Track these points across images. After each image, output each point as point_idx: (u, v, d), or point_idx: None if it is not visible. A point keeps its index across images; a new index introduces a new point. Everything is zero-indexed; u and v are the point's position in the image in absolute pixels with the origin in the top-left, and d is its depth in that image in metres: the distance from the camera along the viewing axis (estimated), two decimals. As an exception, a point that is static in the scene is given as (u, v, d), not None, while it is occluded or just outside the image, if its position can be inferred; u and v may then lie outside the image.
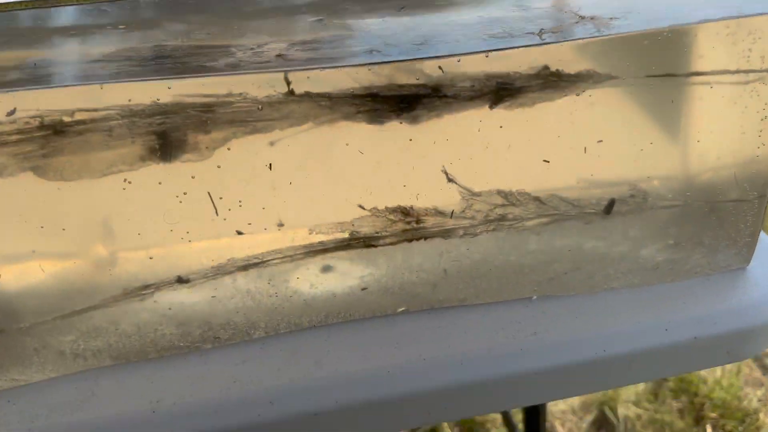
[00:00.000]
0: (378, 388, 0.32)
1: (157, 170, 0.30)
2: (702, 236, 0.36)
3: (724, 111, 0.33)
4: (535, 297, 0.36)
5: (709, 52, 0.31)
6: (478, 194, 0.33)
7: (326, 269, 0.33)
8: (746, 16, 0.30)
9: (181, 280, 0.32)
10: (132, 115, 0.28)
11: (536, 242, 0.35)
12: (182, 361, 0.33)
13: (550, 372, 0.33)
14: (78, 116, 0.28)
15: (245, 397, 0.31)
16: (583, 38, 0.29)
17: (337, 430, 0.31)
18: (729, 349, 0.35)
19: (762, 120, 0.33)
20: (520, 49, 0.29)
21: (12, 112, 0.27)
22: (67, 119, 0.28)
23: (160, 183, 0.30)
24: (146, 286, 0.32)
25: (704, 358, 0.35)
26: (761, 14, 0.30)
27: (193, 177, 0.30)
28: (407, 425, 0.33)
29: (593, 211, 0.34)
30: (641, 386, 1.02)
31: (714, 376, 1.05)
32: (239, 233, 0.32)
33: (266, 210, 0.31)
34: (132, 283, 0.32)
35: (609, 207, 0.34)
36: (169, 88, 0.27)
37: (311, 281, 0.33)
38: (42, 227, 0.30)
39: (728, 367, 1.08)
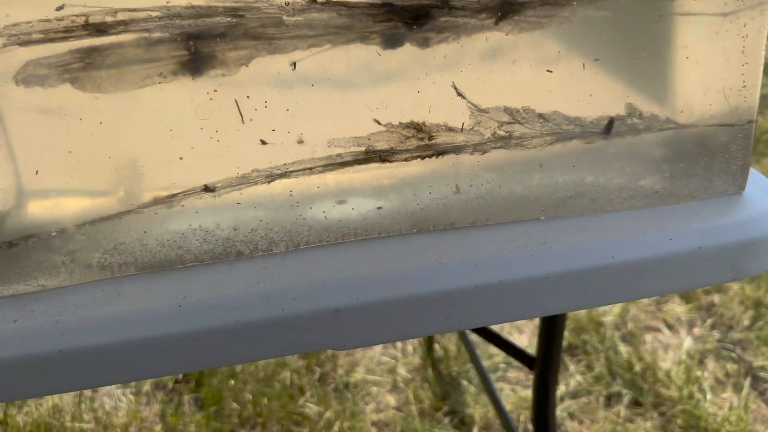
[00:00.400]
0: (396, 287, 0.33)
1: (188, 82, 0.32)
2: (698, 160, 0.38)
3: (709, 37, 0.36)
4: (543, 218, 0.37)
5: (691, -27, 0.34)
6: (486, 111, 0.35)
7: (343, 185, 0.35)
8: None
9: (207, 189, 0.34)
10: (169, 16, 0.31)
11: (542, 162, 0.37)
12: (207, 269, 0.34)
13: (561, 277, 0.34)
14: (120, 16, 0.30)
15: (269, 294, 0.32)
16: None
17: (358, 326, 0.32)
18: (732, 263, 0.36)
19: (742, 51, 0.36)
20: (520, -39, 0.32)
21: (61, 8, 0.30)
22: (109, 19, 0.30)
23: (194, 90, 0.32)
24: (174, 195, 0.34)
25: (709, 271, 0.36)
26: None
27: (219, 87, 0.32)
28: (426, 330, 0.34)
29: (594, 130, 0.36)
30: (651, 423, 1.00)
31: (722, 413, 1.04)
32: (263, 142, 0.33)
33: (288, 122, 0.33)
34: (161, 192, 0.33)
35: (608, 126, 0.36)
36: (205, -19, 0.30)
37: (329, 196, 0.35)
38: (75, 136, 0.32)
39: (736, 403, 1.07)
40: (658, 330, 1.33)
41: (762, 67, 0.36)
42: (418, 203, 0.36)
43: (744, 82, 0.36)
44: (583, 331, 1.30)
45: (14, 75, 0.31)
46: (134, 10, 0.30)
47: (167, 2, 0.30)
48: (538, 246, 0.34)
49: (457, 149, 0.36)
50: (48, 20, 0.30)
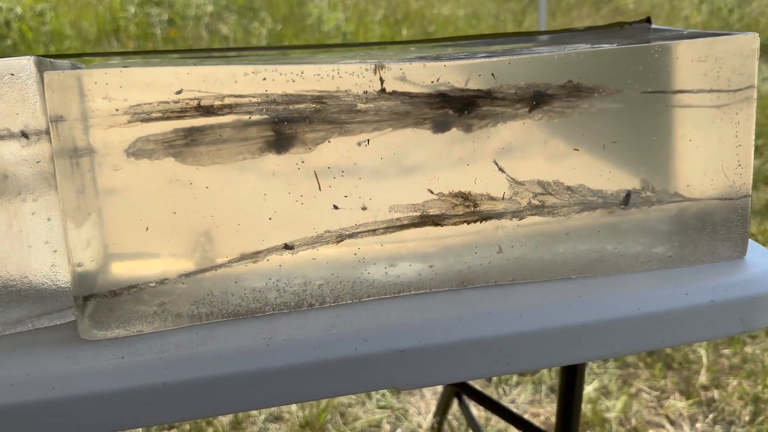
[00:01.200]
0: (452, 332, 0.37)
1: (274, 157, 0.38)
2: (703, 230, 0.44)
3: (706, 125, 0.42)
4: (574, 277, 0.43)
5: (689, 72, 0.42)
6: (522, 183, 0.41)
7: (401, 246, 0.41)
8: (714, 36, 0.41)
9: (287, 247, 0.39)
10: (267, 102, 0.37)
11: (569, 228, 0.42)
12: (286, 317, 0.38)
13: (595, 326, 0.39)
14: (227, 101, 0.37)
15: (343, 336, 0.36)
16: (598, 48, 0.40)
17: (420, 366, 0.37)
18: (741, 317, 0.41)
19: (735, 136, 0.43)
20: (547, 60, 0.39)
21: (179, 92, 0.36)
22: (217, 103, 0.37)
23: (277, 164, 0.38)
24: (259, 252, 0.39)
25: (722, 324, 0.41)
26: (722, 35, 0.41)
27: (302, 161, 0.38)
28: (477, 373, 0.38)
29: (614, 201, 0.42)
30: None
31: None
32: (335, 207, 0.39)
33: (356, 190, 0.39)
34: (247, 248, 0.39)
35: (626, 198, 0.43)
36: (301, 73, 0.37)
37: (389, 255, 0.40)
38: (175, 202, 0.37)
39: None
40: (661, 426, 1.35)
41: (753, 149, 0.43)
42: (465, 262, 0.42)
43: (739, 161, 0.43)
44: (589, 427, 1.32)
45: (126, 149, 0.37)
46: (239, 96, 0.37)
47: (266, 90, 0.37)
48: (574, 299, 0.40)
49: (498, 215, 0.41)
50: (167, 102, 0.36)
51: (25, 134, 0.35)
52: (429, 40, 0.56)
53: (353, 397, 1.36)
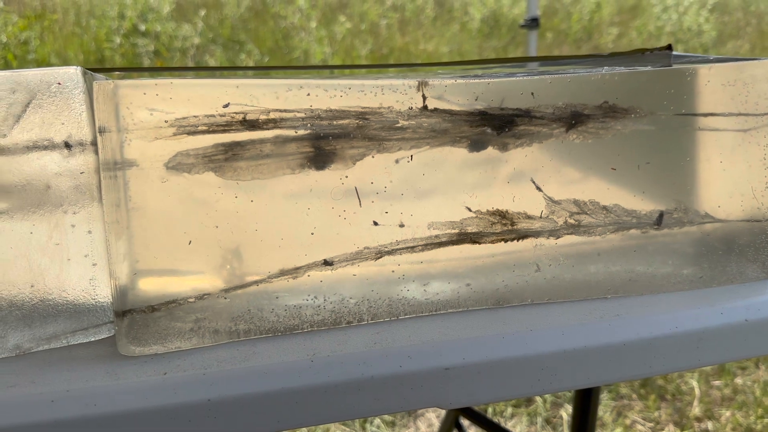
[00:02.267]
0: (496, 349, 0.37)
1: (315, 174, 0.38)
2: (731, 252, 0.44)
3: (734, 148, 0.43)
4: (609, 296, 0.43)
5: (718, 96, 0.42)
6: (559, 202, 0.42)
7: (439, 264, 0.40)
8: (741, 61, 0.42)
9: (327, 263, 0.39)
10: (311, 117, 0.37)
11: (606, 248, 0.43)
12: (326, 333, 0.38)
13: (635, 345, 0.39)
14: (272, 115, 0.37)
15: (387, 352, 0.36)
16: (634, 69, 0.41)
17: (463, 385, 0.36)
18: (774, 336, 0.42)
19: (764, 159, 0.44)
20: (586, 80, 0.40)
21: (227, 106, 0.36)
22: (263, 117, 0.37)
23: (316, 180, 0.38)
24: (299, 267, 0.38)
25: (757, 343, 0.41)
26: (750, 60, 0.42)
27: (347, 176, 0.38)
28: (521, 391, 0.38)
29: (647, 221, 0.43)
30: None
31: None
32: (375, 223, 0.39)
33: (396, 207, 0.39)
34: (287, 264, 0.38)
35: (660, 218, 0.43)
36: (349, 88, 0.37)
37: (427, 273, 0.40)
38: (216, 216, 0.37)
39: None
40: (656, 457, 1.34)
41: (781, 172, 0.44)
42: (503, 281, 0.41)
43: (767, 183, 0.43)
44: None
45: (165, 162, 0.37)
46: (285, 110, 0.37)
47: (310, 105, 0.37)
48: (613, 317, 0.40)
49: (535, 234, 0.41)
50: (213, 115, 0.36)
51: (68, 145, 0.35)
52: (449, 62, 0.57)
53: (342, 426, 1.34)
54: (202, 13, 4.28)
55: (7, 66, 3.33)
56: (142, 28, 4.05)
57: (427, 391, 0.36)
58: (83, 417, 0.32)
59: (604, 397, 1.46)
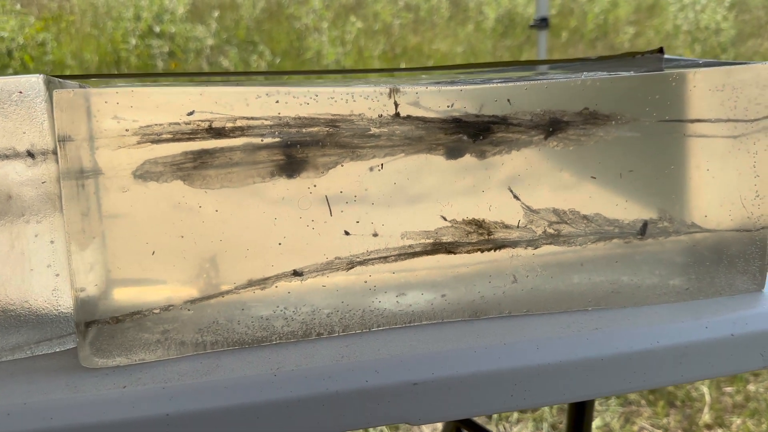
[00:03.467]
0: (467, 364, 0.36)
1: (285, 182, 0.37)
2: (720, 263, 0.43)
3: (724, 155, 0.42)
4: (590, 309, 0.41)
5: (706, 101, 0.41)
6: (537, 211, 0.40)
7: (413, 274, 0.40)
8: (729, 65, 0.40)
9: (296, 273, 0.38)
10: (279, 125, 0.36)
11: (586, 259, 0.41)
12: (293, 346, 0.37)
13: (613, 360, 0.38)
14: (239, 123, 0.36)
15: (353, 367, 0.35)
16: (613, 75, 0.39)
17: (433, 400, 0.35)
18: (762, 351, 0.40)
19: (753, 166, 0.42)
20: (564, 86, 0.39)
21: (191, 113, 0.35)
22: (229, 125, 0.36)
23: (287, 189, 0.37)
24: (267, 278, 0.38)
25: (743, 359, 0.40)
26: (739, 64, 0.40)
27: (314, 185, 0.37)
28: (493, 407, 0.37)
29: (631, 231, 0.42)
30: None
31: None
32: (347, 233, 0.38)
33: (367, 217, 0.38)
34: (256, 275, 0.37)
35: (643, 228, 0.42)
36: (315, 96, 0.36)
37: (401, 283, 0.39)
38: (183, 226, 0.36)
39: None
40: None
41: (771, 180, 0.42)
42: (479, 292, 0.40)
43: (757, 192, 0.42)
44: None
45: (133, 171, 0.36)
46: (252, 118, 0.36)
47: (279, 113, 0.36)
48: (591, 331, 0.38)
49: (512, 244, 0.40)
50: (178, 123, 0.36)
51: (30, 154, 0.34)
52: (440, 67, 0.56)
53: None
54: (217, 14, 4.30)
55: (24, 68, 3.37)
56: (157, 29, 4.08)
57: (394, 406, 0.35)
58: (38, 431, 0.31)
59: (612, 403, 1.44)
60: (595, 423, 1.38)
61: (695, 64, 0.44)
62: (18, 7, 3.83)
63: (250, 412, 0.33)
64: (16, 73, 3.27)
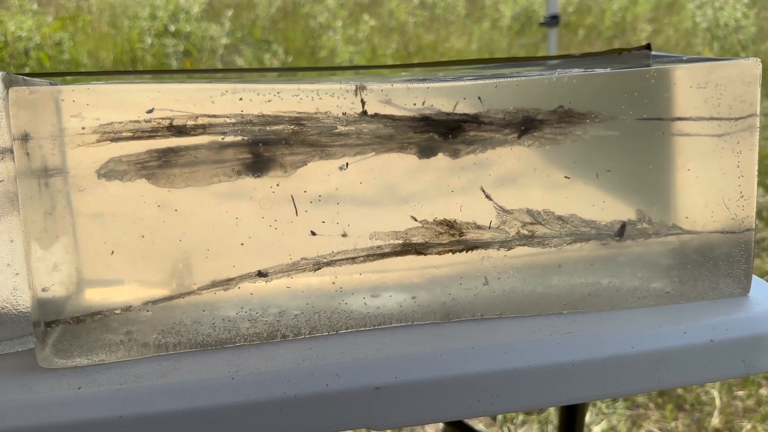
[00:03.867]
0: (432, 368, 0.35)
1: (251, 182, 0.37)
2: (703, 265, 0.41)
3: (707, 154, 0.40)
4: (565, 312, 0.40)
5: (688, 99, 0.40)
6: (511, 212, 0.39)
7: (382, 276, 0.39)
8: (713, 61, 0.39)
9: (261, 274, 0.37)
10: (242, 123, 0.36)
11: (561, 260, 0.40)
12: (256, 348, 0.36)
13: (585, 365, 0.36)
14: (200, 120, 0.36)
15: (314, 370, 0.34)
16: (585, 72, 0.38)
17: (396, 405, 0.34)
18: (743, 357, 0.39)
19: (737, 166, 0.41)
20: (536, 84, 0.38)
21: (151, 111, 0.35)
22: (190, 123, 0.35)
23: (254, 188, 0.37)
24: (231, 279, 0.37)
25: (723, 365, 0.38)
26: (722, 60, 0.39)
27: (279, 182, 0.37)
28: (459, 413, 0.36)
29: (608, 233, 0.40)
30: None
31: None
32: (313, 233, 0.37)
33: (336, 216, 0.37)
34: (219, 276, 0.37)
35: (621, 230, 0.40)
36: (278, 93, 0.35)
37: (369, 285, 0.38)
38: (146, 224, 0.36)
39: None
40: (672, 470, 1.30)
41: (756, 180, 0.41)
42: (450, 294, 0.39)
43: (741, 193, 0.41)
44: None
45: (97, 169, 0.36)
46: (213, 116, 0.35)
47: (241, 110, 0.36)
48: (563, 335, 0.37)
49: (485, 245, 0.39)
50: (138, 121, 0.35)
51: (-11, 152, 0.34)
52: (432, 63, 0.55)
53: None
54: (231, 13, 4.31)
55: (40, 66, 3.40)
56: (172, 28, 4.10)
57: (355, 411, 0.34)
58: (-12, 433, 0.31)
59: (619, 406, 1.41)
60: (601, 426, 1.36)
61: (679, 61, 0.43)
62: (35, 6, 3.87)
63: (206, 416, 0.33)
64: (32, 72, 3.31)
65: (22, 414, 0.31)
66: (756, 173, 0.41)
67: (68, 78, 0.46)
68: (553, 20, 1.95)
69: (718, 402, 1.44)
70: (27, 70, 3.32)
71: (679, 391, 1.47)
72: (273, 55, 3.89)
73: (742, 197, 0.41)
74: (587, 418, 1.47)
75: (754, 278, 0.43)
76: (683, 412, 1.42)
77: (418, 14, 4.65)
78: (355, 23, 4.28)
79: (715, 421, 1.39)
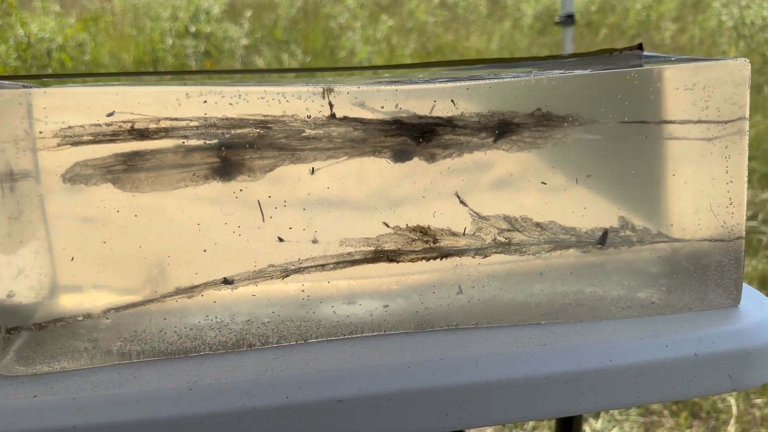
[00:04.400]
0: (398, 380, 0.34)
1: (217, 185, 0.36)
2: (692, 274, 0.40)
3: (695, 159, 0.39)
4: (543, 322, 0.39)
5: (674, 101, 0.38)
6: (486, 218, 0.38)
7: (353, 284, 0.38)
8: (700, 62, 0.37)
9: (226, 281, 0.36)
10: (206, 126, 0.35)
11: (541, 268, 0.39)
12: (219, 358, 0.36)
13: (560, 378, 0.35)
14: (162, 124, 0.35)
15: (275, 382, 0.33)
16: (563, 74, 0.37)
17: (360, 418, 0.33)
18: (730, 372, 0.37)
19: (726, 171, 0.39)
20: (511, 86, 0.36)
21: (111, 114, 0.34)
22: (152, 126, 0.35)
23: (220, 193, 0.36)
24: (195, 286, 0.36)
25: (708, 380, 0.37)
26: (710, 60, 0.37)
27: (244, 187, 0.36)
28: (426, 427, 0.34)
29: (589, 240, 0.39)
30: None
31: None
32: (280, 240, 0.36)
33: (304, 222, 0.36)
34: (183, 282, 0.36)
35: (603, 237, 0.39)
36: (244, 95, 0.34)
37: (339, 293, 0.37)
38: (111, 228, 0.35)
39: None
40: (687, 479, 1.27)
41: (746, 186, 0.39)
42: (423, 302, 0.38)
43: (730, 199, 0.39)
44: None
45: (62, 174, 0.35)
46: (175, 119, 0.35)
47: (205, 113, 0.35)
48: (538, 347, 0.36)
49: (459, 252, 0.38)
50: (98, 125, 0.34)
51: (-50, 156, 0.34)
52: (424, 64, 0.54)
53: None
54: (250, 14, 4.33)
55: (62, 67, 3.45)
56: (193, 29, 4.13)
57: (316, 424, 0.33)
58: (-62, 442, 0.30)
59: (632, 413, 1.39)
60: (613, 433, 1.34)
61: (667, 61, 0.41)
62: (57, 8, 3.92)
63: (162, 427, 0.32)
64: (53, 72, 3.35)
65: (-26, 423, 0.31)
66: (746, 179, 0.39)
67: (51, 81, 0.46)
68: (568, 19, 1.92)
69: (734, 410, 1.41)
70: (49, 70, 3.36)
71: (695, 398, 1.44)
72: (291, 56, 3.90)
73: (731, 204, 0.39)
74: (599, 424, 1.45)
75: (747, 288, 0.41)
76: (698, 420, 1.39)
77: (438, 14, 4.63)
78: (374, 23, 4.28)
79: (732, 429, 1.35)
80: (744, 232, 0.40)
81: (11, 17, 3.46)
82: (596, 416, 1.38)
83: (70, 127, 0.34)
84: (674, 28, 4.57)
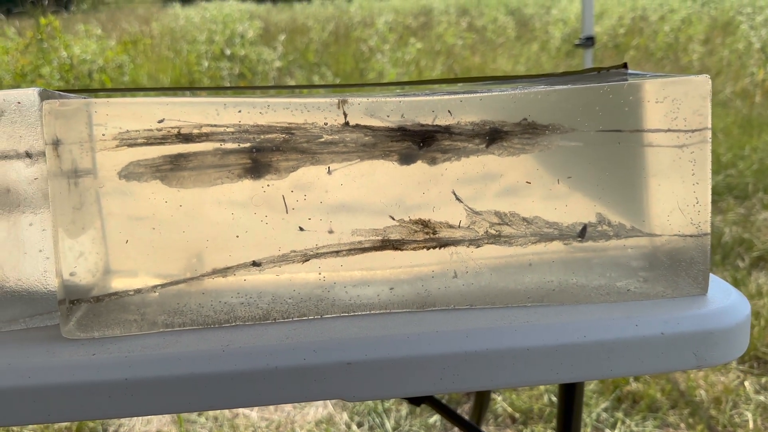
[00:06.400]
0: (399, 348, 0.40)
1: (249, 183, 0.42)
2: (664, 266, 0.45)
3: (664, 163, 0.44)
4: (529, 304, 0.44)
5: (645, 112, 0.43)
6: (480, 213, 0.44)
7: (363, 268, 0.43)
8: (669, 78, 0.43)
9: (255, 264, 0.43)
10: (240, 131, 0.41)
11: (529, 258, 0.44)
12: (249, 327, 0.42)
13: (539, 351, 0.40)
14: (204, 129, 0.41)
15: (295, 346, 0.39)
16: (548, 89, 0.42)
17: (366, 379, 0.39)
18: (695, 351, 0.42)
19: (692, 174, 0.44)
20: (498, 99, 0.42)
21: (161, 121, 0.41)
22: (195, 131, 0.41)
23: (251, 189, 0.42)
24: (229, 267, 0.42)
25: (674, 357, 0.42)
26: (675, 77, 0.43)
27: (269, 185, 0.42)
28: (424, 388, 0.40)
29: (570, 234, 0.44)
30: None
31: None
32: (301, 229, 0.43)
33: (322, 214, 0.43)
34: (218, 264, 0.42)
35: (582, 231, 0.44)
36: (267, 106, 0.41)
37: (351, 276, 0.43)
38: (159, 217, 0.42)
39: None
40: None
41: (710, 187, 0.44)
42: (423, 286, 0.44)
43: (697, 199, 0.44)
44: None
45: (119, 171, 0.42)
46: (214, 125, 0.41)
47: (239, 121, 0.41)
48: (522, 323, 0.41)
49: (456, 242, 0.44)
50: (150, 130, 0.41)
51: (29, 155, 0.41)
52: (424, 81, 0.60)
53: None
54: (283, 37, 4.46)
55: (102, 87, 3.60)
56: (228, 52, 4.27)
57: (330, 383, 0.39)
58: (17, 387, 0.37)
59: (648, 425, 1.41)
60: (628, 443, 1.36)
61: (642, 77, 0.47)
62: (99, 31, 4.09)
63: (200, 381, 0.38)
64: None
65: (44, 374, 0.37)
66: (710, 180, 0.44)
67: (100, 93, 0.53)
68: (588, 41, 1.98)
69: (752, 424, 1.42)
70: (91, 91, 3.49)
71: (712, 411, 1.46)
72: (321, 77, 4.00)
73: (698, 203, 0.44)
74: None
75: (714, 279, 0.46)
76: (715, 434, 1.41)
77: (466, 36, 4.71)
78: (403, 46, 4.37)
79: (748, 443, 1.37)
80: (710, 229, 0.45)
81: (55, 40, 3.63)
82: (612, 427, 1.41)
83: (126, 131, 0.41)
84: (702, 50, 4.58)
